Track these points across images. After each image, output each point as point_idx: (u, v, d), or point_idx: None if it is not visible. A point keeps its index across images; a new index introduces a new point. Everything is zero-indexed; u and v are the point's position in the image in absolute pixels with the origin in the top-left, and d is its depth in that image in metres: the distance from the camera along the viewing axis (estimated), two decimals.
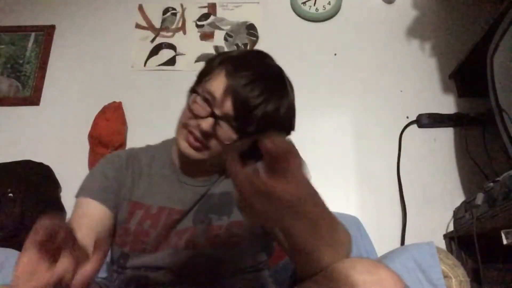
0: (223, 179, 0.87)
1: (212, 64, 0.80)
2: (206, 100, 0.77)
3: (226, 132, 0.76)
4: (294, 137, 1.66)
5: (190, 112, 0.78)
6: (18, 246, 0.80)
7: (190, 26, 1.84)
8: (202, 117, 0.76)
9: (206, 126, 0.75)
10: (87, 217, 0.78)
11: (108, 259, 0.92)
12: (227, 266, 0.81)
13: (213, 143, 0.78)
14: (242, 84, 0.74)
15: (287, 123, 0.83)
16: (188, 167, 0.86)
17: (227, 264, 0.81)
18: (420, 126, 1.59)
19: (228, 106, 0.75)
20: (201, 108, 0.77)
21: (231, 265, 0.81)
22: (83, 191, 0.82)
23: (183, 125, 0.80)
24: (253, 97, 0.74)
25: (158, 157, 0.90)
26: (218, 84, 0.76)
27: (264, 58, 0.83)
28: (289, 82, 0.85)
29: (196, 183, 0.85)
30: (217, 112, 0.76)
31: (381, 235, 1.39)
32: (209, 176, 0.86)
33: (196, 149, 0.79)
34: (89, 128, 1.58)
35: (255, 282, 0.85)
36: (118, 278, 0.84)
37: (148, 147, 0.95)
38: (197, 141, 0.78)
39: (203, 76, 0.81)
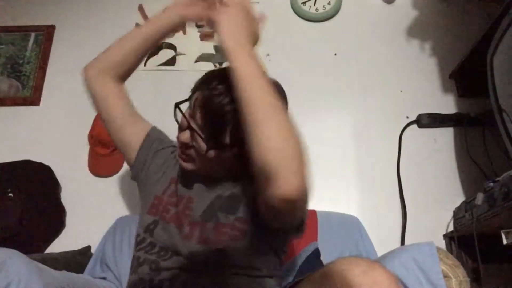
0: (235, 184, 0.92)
1: (197, 81, 0.86)
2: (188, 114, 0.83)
3: (199, 142, 0.80)
4: None
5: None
6: (18, 246, 0.80)
7: (190, 26, 1.84)
8: (183, 130, 0.83)
9: (183, 138, 0.82)
10: None
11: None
12: (233, 260, 0.82)
13: (196, 154, 0.84)
14: (213, 94, 0.78)
15: None
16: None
17: (233, 257, 0.82)
18: (420, 126, 1.59)
19: (200, 117, 0.79)
20: (183, 121, 0.83)
21: (237, 259, 0.82)
22: None
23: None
24: (222, 106, 0.77)
25: None
26: (195, 98, 0.82)
27: None
28: None
29: (214, 185, 0.92)
30: (192, 123, 0.80)
31: (381, 235, 1.39)
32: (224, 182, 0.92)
33: (184, 160, 0.87)
34: (89, 128, 1.58)
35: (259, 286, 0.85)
36: (137, 257, 0.89)
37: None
38: (183, 153, 0.85)
39: (192, 92, 0.87)
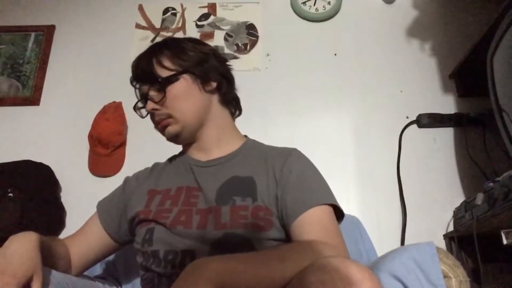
0: (236, 156, 0.92)
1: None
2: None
3: (159, 92, 0.89)
4: (294, 137, 1.65)
5: None
6: None
7: (190, 26, 1.85)
8: (146, 104, 0.92)
9: (150, 106, 0.90)
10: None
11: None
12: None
13: (165, 106, 0.89)
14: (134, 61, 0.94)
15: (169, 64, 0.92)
16: (194, 149, 0.95)
17: (258, 248, 0.79)
18: (420, 126, 1.59)
19: (141, 79, 0.93)
20: (142, 96, 0.94)
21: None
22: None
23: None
24: (144, 53, 0.94)
25: (174, 157, 1.02)
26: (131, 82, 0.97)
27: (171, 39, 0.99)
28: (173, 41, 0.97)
29: (207, 163, 0.92)
30: (144, 91, 0.92)
31: (381, 235, 1.40)
32: (218, 156, 0.93)
33: (165, 126, 0.90)
34: (89, 128, 1.58)
35: None
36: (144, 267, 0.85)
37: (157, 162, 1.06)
38: (160, 120, 0.90)
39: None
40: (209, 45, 1.01)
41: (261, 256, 0.67)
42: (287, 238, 0.81)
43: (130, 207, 0.93)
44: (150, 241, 0.83)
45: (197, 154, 0.95)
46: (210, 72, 0.93)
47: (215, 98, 0.96)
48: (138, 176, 1.01)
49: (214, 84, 0.94)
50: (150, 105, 0.90)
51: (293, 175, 0.84)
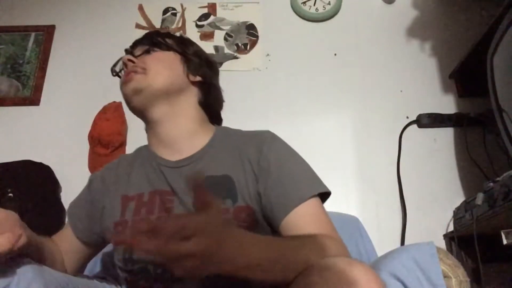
0: (208, 152, 0.85)
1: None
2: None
3: (137, 49, 0.90)
4: (294, 137, 1.67)
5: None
6: None
7: (190, 26, 1.84)
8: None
9: (125, 57, 0.89)
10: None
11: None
12: None
13: (143, 62, 0.87)
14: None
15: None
16: (161, 146, 0.88)
17: None
18: (420, 126, 1.59)
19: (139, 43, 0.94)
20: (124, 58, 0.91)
21: None
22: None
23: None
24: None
25: (140, 154, 0.94)
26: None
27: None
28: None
29: (178, 164, 0.84)
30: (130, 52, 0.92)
31: (381, 235, 1.40)
32: (188, 153, 0.85)
33: (131, 78, 0.85)
34: (89, 128, 1.58)
35: None
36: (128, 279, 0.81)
37: (123, 155, 1.00)
38: (129, 71, 0.87)
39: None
40: (213, 59, 1.03)
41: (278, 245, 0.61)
42: (274, 233, 0.78)
43: (104, 216, 0.86)
44: (131, 259, 0.78)
45: (165, 152, 0.86)
46: (200, 68, 0.93)
47: (193, 92, 0.92)
48: (103, 176, 0.92)
49: (197, 78, 0.92)
50: (128, 56, 0.89)
51: (273, 167, 0.79)
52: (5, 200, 1.35)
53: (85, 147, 1.59)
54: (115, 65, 0.95)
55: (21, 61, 1.79)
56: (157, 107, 0.86)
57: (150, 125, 0.90)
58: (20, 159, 1.50)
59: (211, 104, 0.95)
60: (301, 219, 0.73)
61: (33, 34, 1.84)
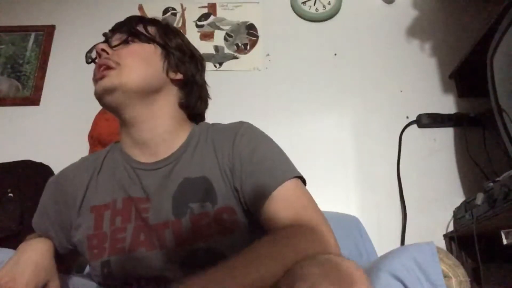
0: (184, 153, 0.79)
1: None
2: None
3: (114, 39, 0.80)
4: (294, 137, 1.65)
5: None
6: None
7: (190, 26, 1.85)
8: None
9: (101, 45, 0.79)
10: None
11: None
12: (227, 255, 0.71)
13: (117, 55, 0.78)
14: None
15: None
16: (136, 148, 0.80)
17: (229, 255, 0.72)
18: (420, 126, 1.59)
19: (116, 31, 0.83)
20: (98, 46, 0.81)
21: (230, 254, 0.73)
22: None
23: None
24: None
25: (110, 156, 0.85)
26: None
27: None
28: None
29: (153, 166, 0.78)
30: (107, 41, 0.81)
31: (381, 235, 1.40)
32: (165, 154, 0.79)
33: (103, 75, 0.78)
34: (89, 128, 1.58)
35: None
36: None
37: (85, 157, 0.91)
38: (101, 64, 0.79)
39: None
40: (199, 53, 0.91)
41: (243, 262, 0.58)
42: (256, 225, 0.73)
43: (74, 228, 0.79)
44: (111, 274, 0.72)
45: (139, 154, 0.79)
46: (182, 64, 0.83)
47: (173, 92, 0.83)
48: (63, 182, 0.86)
49: (178, 75, 0.82)
50: (103, 45, 0.79)
51: (246, 159, 0.74)
52: (5, 200, 1.35)
53: (85, 147, 1.58)
54: (90, 51, 0.84)
55: (21, 61, 1.79)
56: (131, 107, 0.78)
57: (123, 125, 0.82)
58: (20, 159, 1.50)
59: (192, 105, 0.85)
60: (277, 205, 0.68)
61: (33, 34, 1.84)
